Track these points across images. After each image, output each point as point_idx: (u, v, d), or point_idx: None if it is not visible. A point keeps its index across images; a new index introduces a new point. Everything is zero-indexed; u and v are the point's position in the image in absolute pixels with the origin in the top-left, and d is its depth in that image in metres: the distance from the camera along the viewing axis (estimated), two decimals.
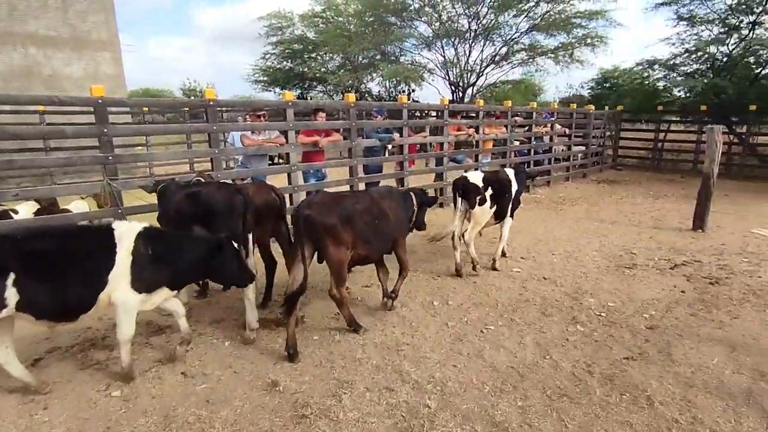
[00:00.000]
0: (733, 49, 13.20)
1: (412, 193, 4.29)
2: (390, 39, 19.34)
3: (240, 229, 3.48)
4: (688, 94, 14.19)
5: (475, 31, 18.79)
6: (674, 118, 14.59)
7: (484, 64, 20.54)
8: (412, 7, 18.63)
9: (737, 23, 13.04)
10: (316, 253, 3.49)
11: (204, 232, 3.35)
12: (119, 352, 2.98)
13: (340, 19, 21.48)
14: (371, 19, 19.33)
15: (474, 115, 8.79)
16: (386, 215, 3.74)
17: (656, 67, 14.46)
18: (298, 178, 6.26)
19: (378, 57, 21.92)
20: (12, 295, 2.49)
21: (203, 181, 4.27)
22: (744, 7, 12.69)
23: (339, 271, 3.46)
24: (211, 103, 5.16)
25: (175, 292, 3.17)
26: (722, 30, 13.29)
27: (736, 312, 4.12)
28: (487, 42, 20.03)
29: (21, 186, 7.90)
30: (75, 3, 11.85)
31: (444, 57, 20.38)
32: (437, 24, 18.91)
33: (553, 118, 10.76)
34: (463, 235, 4.90)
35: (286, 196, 6.06)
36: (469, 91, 21.72)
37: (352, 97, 6.63)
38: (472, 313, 4.06)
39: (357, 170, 6.82)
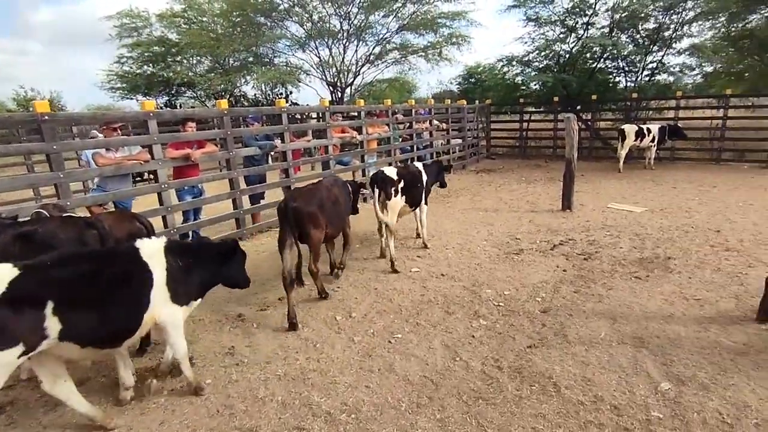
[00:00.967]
0: (573, 46, 15.00)
1: (348, 183, 5.07)
2: (262, 40, 18.51)
3: None
4: (542, 87, 15.83)
5: (348, 31, 18.83)
6: (533, 109, 16.18)
7: (360, 63, 20.74)
8: (281, 8, 18.03)
9: (574, 24, 14.84)
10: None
11: None
12: (182, 369, 2.98)
13: (205, 19, 20.02)
14: (239, 19, 18.29)
15: (356, 115, 8.69)
16: (339, 201, 4.58)
17: (514, 63, 15.87)
18: (171, 197, 5.55)
19: (251, 59, 20.93)
20: (54, 324, 2.32)
21: (46, 214, 3.49)
22: (578, 9, 14.49)
23: (317, 249, 4.27)
24: (46, 117, 4.26)
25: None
26: (563, 30, 15.04)
27: (610, 283, 4.55)
28: (361, 42, 20.25)
29: None
30: None
31: (319, 57, 20.12)
32: (309, 24, 18.57)
33: (430, 115, 11.15)
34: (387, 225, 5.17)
35: (159, 218, 5.36)
36: (348, 90, 21.81)
37: (224, 103, 6.06)
38: (378, 323, 3.91)
39: (238, 182, 6.27)
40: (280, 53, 21.86)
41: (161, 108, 20.55)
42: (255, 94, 24.97)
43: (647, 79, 15.16)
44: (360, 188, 5.26)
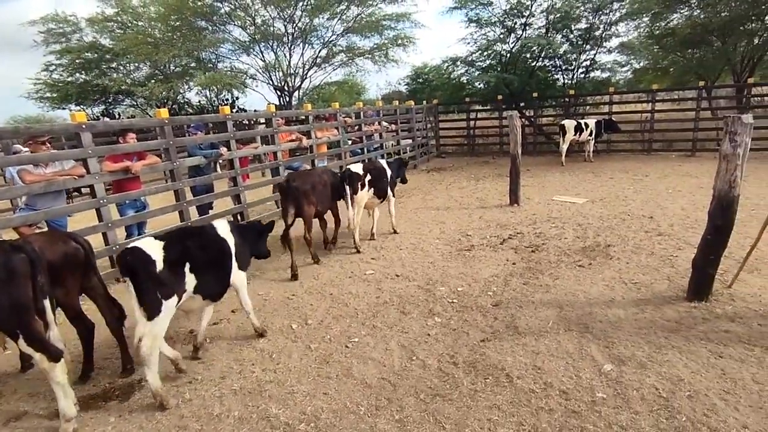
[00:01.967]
0: (513, 46, 15.57)
1: (338, 173, 5.92)
2: (203, 45, 17.94)
3: (28, 298, 2.67)
4: (486, 86, 16.33)
5: (293, 34, 18.62)
6: (479, 107, 16.66)
7: (307, 67, 20.56)
8: (222, 11, 17.55)
9: (512, 25, 15.41)
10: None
11: None
12: (252, 321, 3.81)
13: (141, 23, 19.17)
14: (178, 23, 17.63)
15: (303, 119, 8.60)
16: (328, 185, 5.65)
17: (458, 63, 16.27)
18: (112, 212, 5.27)
19: (192, 65, 20.26)
20: (191, 281, 3.10)
21: None
22: (515, 11, 15.06)
23: (309, 221, 5.40)
24: None
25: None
26: (502, 31, 15.58)
27: (556, 273, 4.76)
28: (307, 45, 20.08)
29: None
30: None
31: (264, 61, 19.78)
32: (252, 28, 18.20)
33: (379, 117, 11.23)
34: (348, 222, 5.82)
35: (99, 235, 5.08)
36: (296, 94, 21.55)
37: (164, 112, 5.82)
38: (334, 328, 3.89)
39: (184, 193, 6.04)
40: (223, 58, 21.31)
41: (96, 118, 19.50)
42: (200, 101, 24.21)
43: (583, 76, 15.98)
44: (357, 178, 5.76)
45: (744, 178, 8.74)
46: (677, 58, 18.10)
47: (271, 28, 18.58)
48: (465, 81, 16.97)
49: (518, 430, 2.53)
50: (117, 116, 21.83)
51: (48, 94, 19.81)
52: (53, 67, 19.43)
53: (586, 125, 11.76)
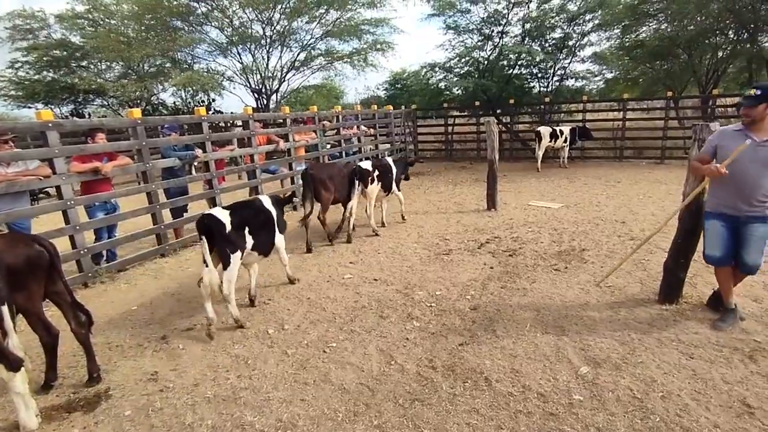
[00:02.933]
0: (490, 54, 15.81)
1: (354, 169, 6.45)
2: (179, 45, 17.59)
3: None
4: (464, 92, 16.52)
5: (271, 37, 18.47)
6: (457, 113, 16.82)
7: (285, 69, 20.42)
8: (198, 12, 17.26)
9: (490, 33, 15.66)
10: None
11: None
12: (287, 271, 4.92)
13: (113, 21, 18.68)
14: (152, 22, 17.24)
15: (281, 122, 8.51)
16: (345, 177, 6.36)
17: (436, 69, 16.42)
18: (79, 215, 5.07)
19: (168, 65, 19.84)
20: (249, 240, 4.01)
21: None
22: (493, 19, 15.31)
23: (326, 205, 6.15)
24: None
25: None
26: (480, 38, 15.81)
27: (533, 276, 4.81)
28: (285, 48, 19.95)
29: None
30: None
31: (242, 63, 19.55)
32: (230, 30, 17.97)
33: (357, 121, 11.20)
34: (366, 210, 6.78)
35: (66, 239, 4.89)
36: (274, 97, 21.35)
37: (137, 112, 5.66)
38: (312, 333, 3.83)
39: (157, 195, 5.88)
40: (200, 59, 20.97)
41: (64, 118, 18.82)
42: (175, 102, 23.75)
43: (558, 84, 16.35)
44: (363, 175, 6.43)
45: None
46: (646, 70, 18.71)
47: (249, 30, 18.39)
48: (443, 87, 17.13)
49: None
50: (87, 116, 21.16)
51: (13, 92, 19.04)
52: (19, 64, 18.73)
53: (561, 132, 12.01)
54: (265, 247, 4.31)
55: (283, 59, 20.32)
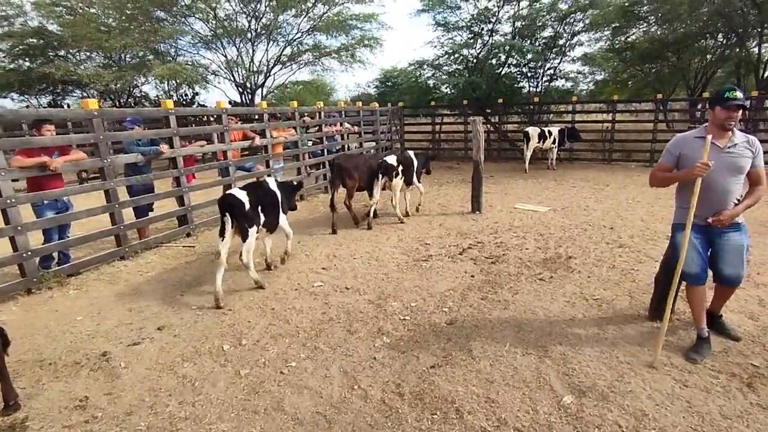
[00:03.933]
0: (480, 52, 15.52)
1: (379, 160, 6.83)
2: (161, 36, 17.00)
3: None
4: (452, 90, 16.22)
5: (256, 30, 17.99)
6: (445, 112, 16.51)
7: (271, 64, 19.94)
8: (182, 3, 16.71)
9: (480, 30, 15.36)
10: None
11: None
12: (288, 244, 5.41)
13: (93, 10, 18.02)
14: (134, 12, 16.64)
15: (258, 117, 8.11)
16: (371, 167, 6.77)
17: (425, 66, 16.08)
18: (23, 214, 4.62)
19: (150, 57, 19.23)
20: (262, 217, 4.58)
21: None
22: (483, 17, 15.00)
23: (351, 192, 6.83)
24: None
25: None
26: (470, 35, 15.50)
27: (516, 287, 4.50)
28: (272, 42, 19.48)
29: None
30: None
31: (226, 57, 19.03)
32: (214, 22, 17.44)
33: (341, 118, 10.82)
34: (391, 200, 7.26)
35: (5, 240, 4.46)
36: (260, 92, 20.86)
37: (93, 103, 5.21)
38: (271, 350, 3.46)
39: (116, 193, 5.45)
40: (183, 51, 20.43)
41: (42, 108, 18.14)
42: (157, 96, 23.14)
43: (547, 84, 16.11)
44: (386, 168, 6.71)
45: None
46: (635, 72, 18.61)
47: (235, 23, 17.90)
48: (432, 85, 16.81)
49: None
50: (67, 107, 20.45)
51: None
52: None
53: (550, 133, 11.75)
54: (272, 223, 4.88)
55: (269, 54, 19.85)
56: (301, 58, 20.77)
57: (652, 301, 3.68)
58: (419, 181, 7.68)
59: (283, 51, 19.78)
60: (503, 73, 15.80)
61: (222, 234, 4.27)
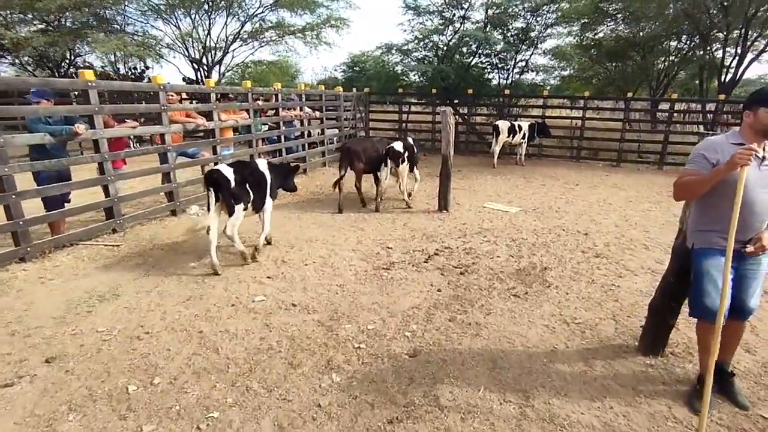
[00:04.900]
0: (450, 39, 14.93)
1: (388, 146, 6.97)
2: (108, 2, 15.38)
3: None
4: (421, 78, 15.58)
5: (212, 1, 16.68)
6: (413, 100, 15.86)
7: (230, 40, 18.62)
8: None
9: (451, 16, 14.74)
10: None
11: None
12: (261, 238, 5.08)
13: None
14: None
15: (204, 96, 7.19)
16: (378, 151, 7.04)
17: (393, 51, 15.34)
18: None
19: (94, 23, 17.51)
20: (249, 196, 4.58)
21: None
22: (455, 2, 14.38)
23: (359, 174, 7.16)
24: None
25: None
26: (441, 21, 14.86)
27: (488, 305, 3.96)
28: (231, 16, 18.16)
29: None
30: None
31: (180, 29, 17.58)
32: None
33: (301, 101, 9.96)
34: (398, 185, 7.43)
35: None
36: (218, 69, 19.50)
37: None
38: (191, 392, 2.75)
39: (11, 182, 4.48)
40: (133, 21, 18.79)
41: None
42: (103, 67, 21.30)
43: (518, 76, 15.74)
44: (395, 156, 6.91)
45: (669, 193, 8.61)
46: (601, 69, 18.59)
47: None
48: (400, 71, 16.10)
49: None
50: None
51: None
52: None
53: (520, 128, 11.35)
54: (258, 203, 4.80)
55: (228, 29, 18.53)
56: (264, 35, 19.57)
57: (645, 332, 3.21)
58: (416, 168, 7.82)
59: (243, 26, 18.52)
60: (473, 62, 15.31)
61: (208, 208, 4.40)
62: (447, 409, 2.59)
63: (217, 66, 19.33)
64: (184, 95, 8.57)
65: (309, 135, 11.10)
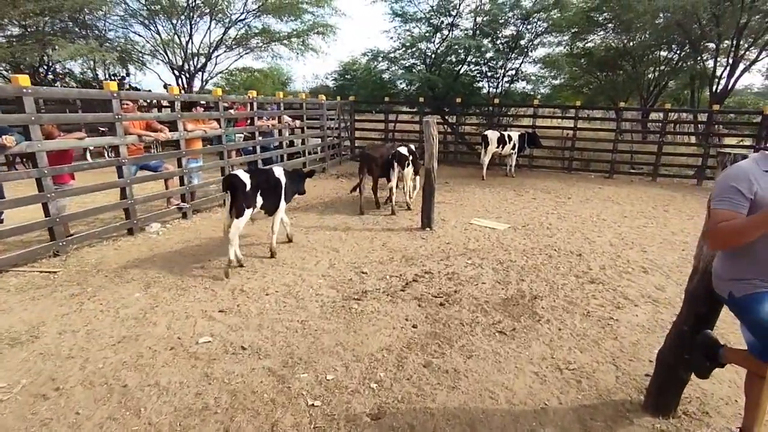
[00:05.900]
0: (439, 47, 14.53)
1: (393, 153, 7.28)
2: (72, 5, 14.80)
3: None
4: (409, 86, 15.16)
5: (194, 4, 16.21)
6: (401, 109, 15.43)
7: (213, 47, 18.13)
8: None
9: (439, 23, 14.35)
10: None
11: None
12: (272, 242, 5.31)
13: None
14: None
15: (168, 105, 6.65)
16: (387, 156, 7.35)
17: (380, 58, 14.91)
18: None
19: (75, 29, 16.97)
20: (260, 200, 4.85)
21: None
22: (443, 9, 14.00)
23: (376, 178, 7.64)
24: None
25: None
26: (428, 28, 14.46)
27: (470, 345, 3.44)
28: (216, 22, 17.69)
29: None
30: None
31: (160, 35, 17.08)
32: None
33: (280, 110, 9.44)
34: (403, 188, 7.75)
35: None
36: (201, 76, 18.98)
37: None
38: None
39: None
40: (114, 27, 18.29)
41: None
42: (82, 73, 20.74)
43: (508, 85, 15.37)
44: (399, 159, 7.22)
45: (665, 207, 8.20)
46: (591, 79, 18.35)
47: None
48: (387, 79, 15.65)
49: None
50: None
51: None
52: None
53: (510, 138, 10.91)
54: (271, 207, 5.14)
55: (212, 35, 18.05)
56: (249, 42, 19.13)
57: (653, 387, 2.69)
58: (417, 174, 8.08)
59: (226, 32, 18.05)
60: (462, 71, 14.91)
61: (230, 210, 4.67)
62: None
63: (200, 73, 18.81)
64: (165, 103, 8.01)
65: (291, 145, 10.60)
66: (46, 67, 20.11)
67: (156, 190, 6.95)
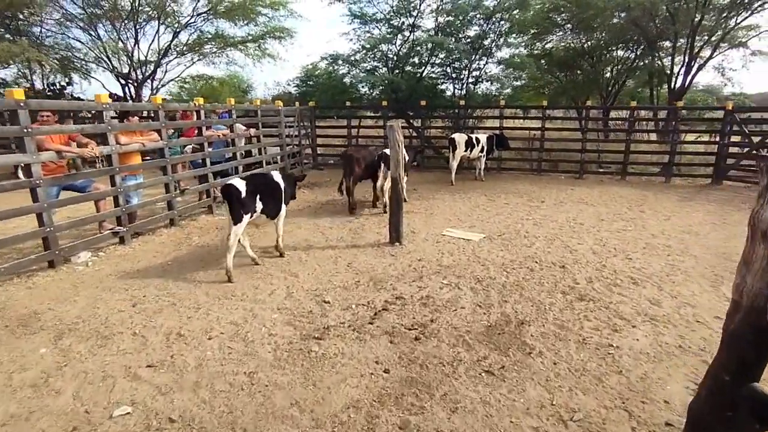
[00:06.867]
0: (400, 48, 14.06)
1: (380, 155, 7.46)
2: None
3: None
4: (371, 90, 14.60)
5: (138, 9, 15.15)
6: (367, 114, 14.83)
7: (162, 53, 17.05)
8: None
9: (400, 25, 13.89)
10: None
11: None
12: (278, 240, 5.51)
13: None
14: None
15: (93, 115, 5.81)
16: (372, 157, 7.65)
17: (340, 62, 14.30)
18: None
19: (5, 34, 15.58)
20: (259, 205, 4.91)
21: None
22: (403, 9, 13.55)
23: (356, 179, 7.52)
24: None
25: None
26: (389, 30, 13.97)
27: (453, 393, 2.86)
28: (165, 27, 16.65)
29: None
30: None
31: (101, 40, 15.90)
32: None
33: (232, 119, 8.65)
34: (382, 187, 7.55)
35: None
36: (151, 85, 17.83)
37: None
38: None
39: None
40: (52, 32, 16.96)
41: None
42: (16, 81, 19.16)
43: (472, 87, 15.05)
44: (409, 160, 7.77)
45: (639, 208, 7.92)
46: (552, 79, 18.38)
47: (115, 1, 14.96)
48: (348, 83, 15.03)
49: None
50: None
51: None
52: None
53: (478, 140, 10.50)
54: (272, 211, 5.20)
55: (161, 41, 16.97)
56: (202, 48, 18.15)
57: None
58: (406, 174, 7.96)
59: (176, 37, 17.02)
60: (425, 73, 14.48)
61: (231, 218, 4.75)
62: None
63: (149, 81, 17.66)
64: (113, 114, 7.06)
65: (249, 155, 9.80)
66: None
67: (88, 213, 6.10)
